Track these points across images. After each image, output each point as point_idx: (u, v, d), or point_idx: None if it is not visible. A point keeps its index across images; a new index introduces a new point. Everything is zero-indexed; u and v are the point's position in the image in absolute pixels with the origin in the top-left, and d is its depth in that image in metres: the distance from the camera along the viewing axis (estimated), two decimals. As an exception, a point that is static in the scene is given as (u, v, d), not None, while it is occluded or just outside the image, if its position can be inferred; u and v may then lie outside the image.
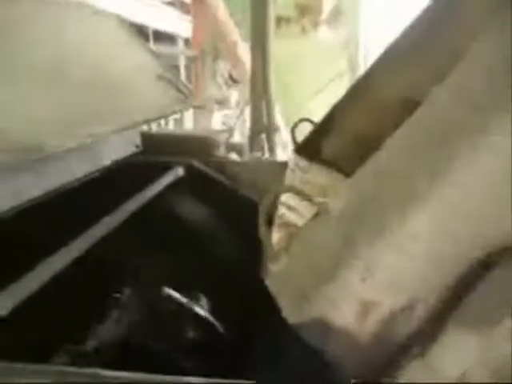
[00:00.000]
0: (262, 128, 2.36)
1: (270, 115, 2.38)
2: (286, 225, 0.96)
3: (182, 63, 5.05)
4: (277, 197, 0.79)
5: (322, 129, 1.28)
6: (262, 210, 0.76)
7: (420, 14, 1.02)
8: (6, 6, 1.29)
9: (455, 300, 0.62)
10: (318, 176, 1.19)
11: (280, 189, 0.79)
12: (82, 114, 1.16)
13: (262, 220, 0.76)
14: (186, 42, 5.28)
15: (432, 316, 0.63)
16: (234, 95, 5.63)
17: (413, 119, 0.69)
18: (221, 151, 2.05)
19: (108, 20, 1.88)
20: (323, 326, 0.64)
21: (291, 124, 1.41)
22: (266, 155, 2.37)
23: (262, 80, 2.30)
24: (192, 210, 1.97)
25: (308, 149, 1.29)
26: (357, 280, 0.62)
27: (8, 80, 1.04)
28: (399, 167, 0.66)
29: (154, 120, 1.48)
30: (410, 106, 0.70)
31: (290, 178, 1.24)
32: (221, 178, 1.92)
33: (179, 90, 1.82)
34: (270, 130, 2.37)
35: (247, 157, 2.25)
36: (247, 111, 5.42)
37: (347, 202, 0.71)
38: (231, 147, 2.19)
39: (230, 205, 1.92)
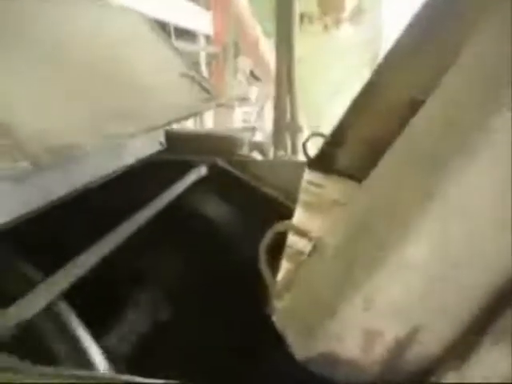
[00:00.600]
0: (285, 127, 2.34)
1: (293, 114, 2.36)
2: (297, 254, 0.95)
3: (202, 60, 5.04)
4: (276, 235, 0.80)
5: (334, 139, 1.27)
6: (263, 247, 0.77)
7: (419, 11, 1.01)
8: (35, 5, 1.29)
9: (490, 315, 0.61)
10: (333, 187, 1.18)
11: (279, 227, 0.79)
12: (109, 113, 1.16)
13: (262, 257, 0.76)
14: (207, 38, 5.26)
15: (466, 331, 0.62)
16: (253, 92, 5.62)
17: (397, 144, 0.69)
18: (244, 150, 2.04)
19: (131, 17, 1.88)
20: (330, 360, 0.64)
21: (311, 122, 1.40)
22: (289, 154, 2.36)
23: (287, 78, 2.29)
24: (215, 208, 1.96)
25: (322, 162, 1.29)
26: (359, 311, 0.62)
27: (39, 80, 1.04)
28: (389, 196, 0.66)
29: (178, 120, 1.48)
30: (417, 106, 0.69)
31: (303, 196, 1.23)
32: (245, 177, 1.91)
33: (203, 88, 1.81)
34: (294, 129, 2.35)
35: (271, 156, 2.24)
36: (267, 108, 5.44)
37: (342, 235, 0.71)
38: (254, 146, 2.18)
39: (254, 204, 1.91)
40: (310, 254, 0.76)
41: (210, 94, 1.79)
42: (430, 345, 0.63)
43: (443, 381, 0.62)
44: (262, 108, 5.54)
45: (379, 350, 0.63)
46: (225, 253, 1.84)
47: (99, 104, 1.15)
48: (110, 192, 1.65)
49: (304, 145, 1.39)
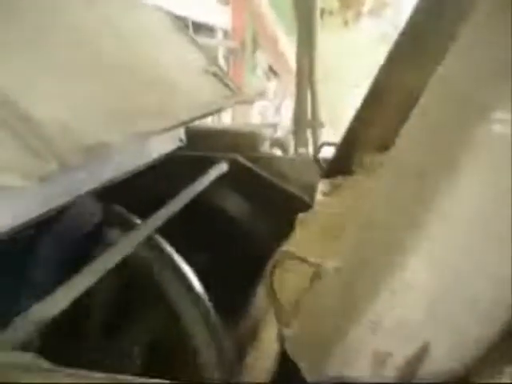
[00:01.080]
0: (306, 123, 2.32)
1: (314, 110, 2.34)
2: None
3: (220, 55, 5.03)
4: (276, 263, 0.80)
5: (347, 143, 1.26)
6: (266, 275, 0.78)
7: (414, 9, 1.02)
8: (59, 2, 1.29)
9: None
10: (354, 186, 1.17)
11: (280, 255, 0.80)
12: (135, 110, 1.15)
13: (267, 284, 0.77)
14: (225, 33, 5.25)
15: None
16: (271, 87, 5.61)
17: (385, 165, 0.70)
18: (265, 146, 2.03)
19: (152, 12, 1.87)
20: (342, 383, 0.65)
21: (331, 117, 1.39)
22: (310, 151, 2.34)
23: (308, 74, 2.27)
24: (235, 205, 1.95)
25: (337, 169, 1.29)
26: (367, 334, 0.62)
27: (66, 77, 1.04)
28: (382, 219, 0.66)
29: (202, 117, 1.46)
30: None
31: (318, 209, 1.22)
32: (265, 174, 1.90)
33: (225, 85, 1.80)
34: (315, 125, 2.34)
35: (292, 153, 2.22)
36: (285, 104, 5.42)
37: (342, 261, 0.71)
38: (275, 142, 2.17)
39: (275, 201, 1.90)
40: (312, 280, 0.77)
41: (231, 90, 1.78)
42: (442, 359, 0.63)
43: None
44: (279, 104, 5.52)
45: (390, 371, 0.64)
46: (245, 250, 1.83)
47: (126, 101, 1.15)
48: (131, 188, 1.65)
49: (316, 155, 1.39)
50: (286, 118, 4.95)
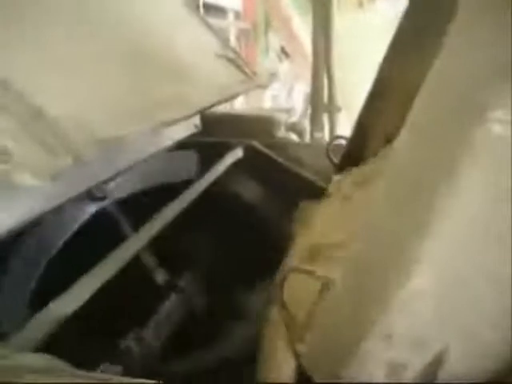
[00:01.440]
0: (322, 107, 2.28)
1: (331, 93, 2.29)
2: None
3: (232, 37, 4.97)
4: (285, 278, 0.80)
5: (359, 134, 1.23)
6: (276, 290, 0.78)
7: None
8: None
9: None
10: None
11: (286, 270, 0.78)
12: (152, 99, 1.12)
13: (277, 299, 0.77)
14: (237, 14, 5.18)
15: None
16: (283, 69, 5.53)
17: (386, 174, 0.68)
18: (281, 132, 1.99)
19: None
20: None
21: (346, 101, 1.37)
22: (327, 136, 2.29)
23: (324, 56, 2.22)
24: (251, 191, 1.92)
25: (349, 163, 1.27)
26: (380, 347, 0.62)
27: (76, 71, 1.00)
28: (385, 224, 0.66)
29: (219, 103, 1.43)
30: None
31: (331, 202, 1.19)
32: (282, 159, 1.86)
33: (240, 69, 1.76)
34: (332, 109, 2.29)
35: (308, 138, 2.18)
36: (297, 87, 5.35)
37: (346, 273, 0.71)
38: (290, 127, 2.13)
39: (291, 187, 1.86)
40: (321, 293, 0.76)
41: (246, 74, 1.74)
42: (460, 365, 0.63)
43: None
44: (291, 87, 5.45)
45: (407, 381, 0.63)
46: (261, 236, 1.80)
47: (139, 90, 1.11)
48: (146, 175, 1.63)
49: (328, 150, 1.35)
50: (298, 102, 4.88)
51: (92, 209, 1.53)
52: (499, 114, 0.53)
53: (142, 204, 1.62)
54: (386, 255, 0.63)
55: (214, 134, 1.89)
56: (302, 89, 4.92)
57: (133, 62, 1.24)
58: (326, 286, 0.74)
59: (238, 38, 5.08)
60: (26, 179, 0.68)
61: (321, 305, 0.76)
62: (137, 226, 1.30)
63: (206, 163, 1.77)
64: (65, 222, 1.46)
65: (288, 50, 5.12)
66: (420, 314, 0.60)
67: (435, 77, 0.62)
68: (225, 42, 1.86)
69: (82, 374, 0.63)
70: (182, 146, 1.70)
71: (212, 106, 1.38)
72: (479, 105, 0.54)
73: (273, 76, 4.98)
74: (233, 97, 1.58)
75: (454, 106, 0.58)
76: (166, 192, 1.52)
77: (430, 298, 0.59)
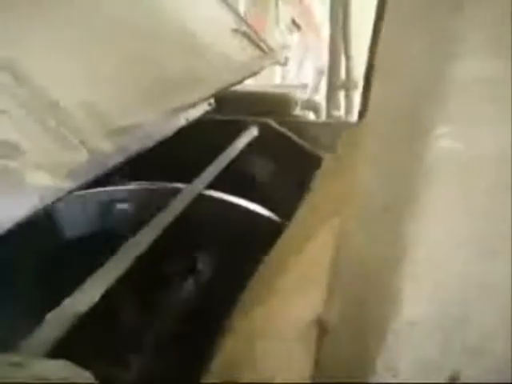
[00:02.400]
0: (340, 85, 2.20)
1: (348, 69, 2.21)
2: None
3: (241, 8, 4.85)
4: None
5: None
6: None
7: None
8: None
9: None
10: None
11: None
12: (169, 81, 1.05)
13: None
14: (246, -16, 5.06)
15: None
16: (293, 42, 5.41)
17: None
18: (297, 109, 1.93)
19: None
20: None
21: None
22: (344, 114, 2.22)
23: (342, 33, 2.13)
24: (266, 171, 1.87)
25: None
26: (388, 381, 0.60)
27: (85, 55, 0.94)
28: (366, 252, 0.65)
29: (238, 83, 1.36)
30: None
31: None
32: (298, 139, 1.80)
33: (257, 45, 1.68)
34: (349, 86, 2.21)
35: (325, 116, 2.11)
36: (307, 62, 5.25)
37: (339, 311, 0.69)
38: (307, 105, 2.06)
39: (307, 167, 1.81)
40: (321, 337, 0.72)
41: (263, 50, 1.67)
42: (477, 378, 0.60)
43: None
44: (302, 62, 5.34)
45: None
46: (277, 217, 1.75)
47: (154, 72, 1.05)
48: (160, 155, 1.58)
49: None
50: (308, 77, 4.80)
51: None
52: (444, 128, 0.53)
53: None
54: (376, 286, 0.62)
55: (228, 112, 1.83)
56: (313, 63, 4.83)
57: (144, 39, 1.18)
58: (325, 329, 0.70)
59: (247, 9, 4.96)
60: (40, 178, 0.63)
61: (322, 346, 0.72)
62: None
63: (221, 142, 1.72)
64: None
65: (299, 21, 5.01)
66: (420, 342, 0.59)
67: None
68: (239, 15, 1.79)
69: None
70: (195, 124, 1.64)
71: (232, 85, 1.31)
72: (424, 120, 0.54)
73: (284, 47, 4.87)
74: (250, 75, 1.52)
75: (403, 124, 0.57)
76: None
77: (426, 324, 0.58)
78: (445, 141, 0.53)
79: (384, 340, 0.58)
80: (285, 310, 0.75)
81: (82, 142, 0.72)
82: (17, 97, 0.70)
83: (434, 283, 0.57)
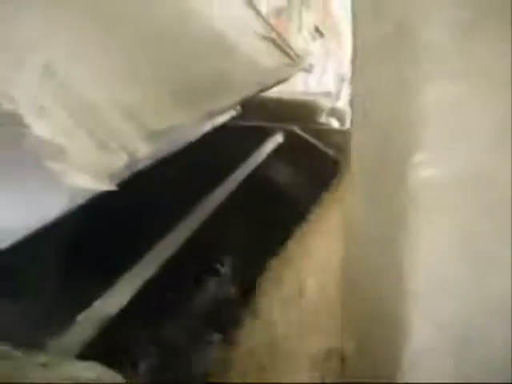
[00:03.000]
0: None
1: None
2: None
3: (265, 15, 4.85)
4: None
5: None
6: None
7: None
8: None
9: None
10: None
11: None
12: (195, 86, 1.06)
13: None
14: (270, -8, 5.06)
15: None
16: (315, 49, 5.40)
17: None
18: (323, 117, 1.93)
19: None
20: None
21: None
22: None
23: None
24: (291, 178, 1.87)
25: None
26: None
27: (118, 56, 0.94)
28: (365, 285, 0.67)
29: (267, 89, 1.37)
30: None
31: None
32: (324, 147, 1.80)
33: (286, 53, 1.68)
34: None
35: (349, 123, 2.10)
36: (329, 68, 5.23)
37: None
38: (332, 112, 2.05)
39: (331, 175, 1.80)
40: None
41: (291, 57, 1.67)
42: None
43: None
44: (324, 68, 5.32)
45: None
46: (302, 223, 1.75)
47: (188, 74, 1.05)
48: (186, 160, 1.58)
49: None
50: (330, 85, 4.78)
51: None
52: (419, 155, 0.54)
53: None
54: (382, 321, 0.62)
55: (254, 118, 1.83)
56: (335, 70, 4.82)
57: (176, 45, 1.18)
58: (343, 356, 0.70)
59: (272, 15, 4.96)
60: (84, 181, 0.63)
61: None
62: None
63: (246, 148, 1.72)
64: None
65: (322, 29, 5.00)
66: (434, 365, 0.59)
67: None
68: (267, 22, 1.79)
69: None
70: (221, 129, 1.65)
71: (263, 90, 1.32)
72: (400, 150, 0.55)
73: (309, 56, 4.86)
74: (280, 81, 1.52)
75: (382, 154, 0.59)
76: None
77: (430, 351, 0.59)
78: (423, 167, 0.54)
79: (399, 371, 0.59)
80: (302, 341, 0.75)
81: (122, 146, 0.73)
82: (57, 99, 0.71)
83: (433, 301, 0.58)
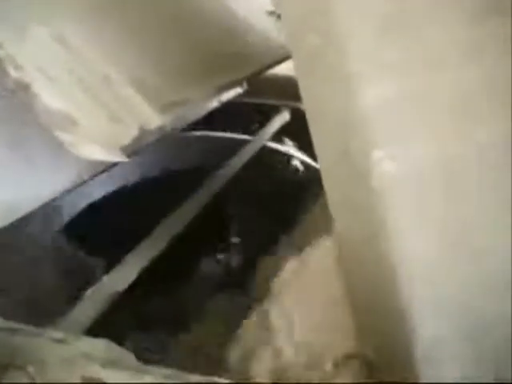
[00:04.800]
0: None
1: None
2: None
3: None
4: None
5: None
6: None
7: None
8: None
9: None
10: None
11: None
12: (207, 62, 1.03)
13: None
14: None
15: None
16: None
17: None
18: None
19: None
20: None
21: None
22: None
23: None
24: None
25: None
26: None
27: (140, 32, 0.92)
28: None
29: (275, 64, 1.34)
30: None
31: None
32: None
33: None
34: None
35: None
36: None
37: None
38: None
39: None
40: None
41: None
42: None
43: None
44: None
45: None
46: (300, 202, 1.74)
47: (201, 48, 1.03)
48: (188, 138, 1.57)
49: None
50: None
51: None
52: (382, 151, 0.53)
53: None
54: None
55: (260, 96, 1.81)
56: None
57: (188, 19, 1.16)
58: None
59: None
60: (95, 152, 0.62)
61: None
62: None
63: (252, 125, 1.70)
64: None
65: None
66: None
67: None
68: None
69: (149, 369, 0.57)
70: (227, 107, 1.63)
71: (271, 66, 1.29)
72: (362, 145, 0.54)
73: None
74: (284, 59, 1.49)
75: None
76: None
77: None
78: (385, 163, 0.53)
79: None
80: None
81: (133, 118, 0.71)
82: (68, 68, 0.69)
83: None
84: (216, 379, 0.56)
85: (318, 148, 0.60)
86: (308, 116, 0.59)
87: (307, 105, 0.59)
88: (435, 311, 0.57)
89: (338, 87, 0.55)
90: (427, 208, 0.55)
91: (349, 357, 0.68)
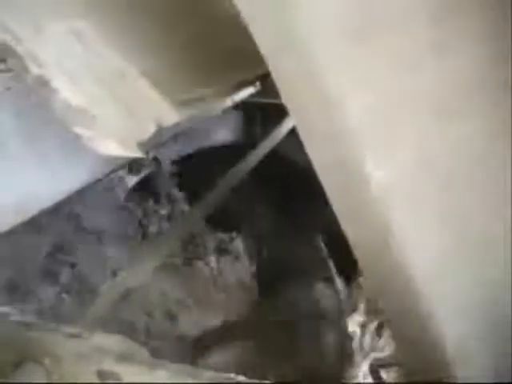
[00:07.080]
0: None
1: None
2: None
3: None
4: None
5: None
6: None
7: None
8: None
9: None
10: None
11: None
12: (220, 61, 1.04)
13: None
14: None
15: None
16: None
17: None
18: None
19: None
20: None
21: None
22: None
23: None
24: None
25: None
26: None
27: (155, 27, 0.93)
28: None
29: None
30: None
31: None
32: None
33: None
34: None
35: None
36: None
37: None
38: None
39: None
40: None
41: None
42: None
43: None
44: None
45: None
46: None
47: (214, 46, 1.03)
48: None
49: None
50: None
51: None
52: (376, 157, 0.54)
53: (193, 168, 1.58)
54: None
55: (272, 95, 1.81)
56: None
57: (201, 18, 1.16)
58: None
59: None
60: (112, 148, 0.62)
61: None
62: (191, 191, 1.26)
63: (265, 125, 1.70)
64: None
65: None
66: None
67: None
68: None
69: (162, 364, 0.57)
70: (240, 106, 1.64)
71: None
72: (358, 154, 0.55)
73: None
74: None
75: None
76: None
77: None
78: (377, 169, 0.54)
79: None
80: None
81: (150, 114, 0.71)
82: (85, 64, 0.69)
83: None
84: (229, 375, 0.56)
85: (315, 163, 0.60)
86: (300, 133, 0.60)
87: (297, 123, 0.59)
88: (455, 310, 0.57)
89: (322, 102, 0.55)
90: (427, 208, 0.56)
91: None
